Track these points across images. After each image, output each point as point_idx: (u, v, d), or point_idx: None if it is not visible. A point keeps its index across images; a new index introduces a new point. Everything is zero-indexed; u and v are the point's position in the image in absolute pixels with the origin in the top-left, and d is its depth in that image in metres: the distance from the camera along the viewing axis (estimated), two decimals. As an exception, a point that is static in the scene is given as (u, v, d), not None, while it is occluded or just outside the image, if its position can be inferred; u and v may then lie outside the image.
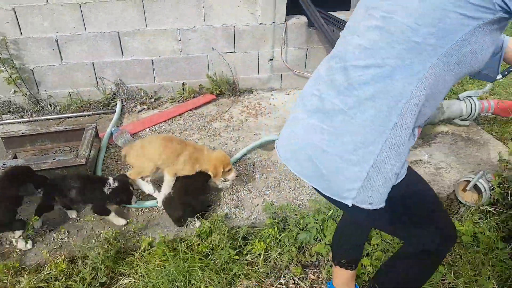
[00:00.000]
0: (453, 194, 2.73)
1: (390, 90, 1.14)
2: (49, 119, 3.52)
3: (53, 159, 2.57)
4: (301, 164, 1.32)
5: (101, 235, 2.26)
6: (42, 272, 2.12)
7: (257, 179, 2.85)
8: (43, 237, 2.34)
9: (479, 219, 2.54)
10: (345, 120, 1.20)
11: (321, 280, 2.19)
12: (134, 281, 2.12)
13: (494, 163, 2.94)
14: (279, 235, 2.34)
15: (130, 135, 3.15)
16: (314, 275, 2.22)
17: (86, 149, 2.62)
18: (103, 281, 2.07)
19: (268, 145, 3.17)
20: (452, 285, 2.19)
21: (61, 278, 2.08)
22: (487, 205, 2.62)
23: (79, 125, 2.98)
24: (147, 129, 3.31)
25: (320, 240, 2.38)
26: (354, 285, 1.96)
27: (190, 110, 3.61)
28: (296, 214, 2.48)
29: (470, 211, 2.59)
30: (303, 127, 1.31)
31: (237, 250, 2.27)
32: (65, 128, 2.92)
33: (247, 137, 3.26)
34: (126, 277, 2.15)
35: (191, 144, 2.61)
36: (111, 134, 3.11)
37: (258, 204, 2.62)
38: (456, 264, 2.32)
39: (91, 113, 3.60)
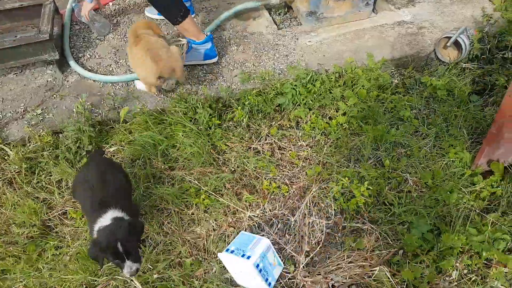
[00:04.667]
0: (433, 53, 3.00)
1: None
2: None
3: (15, 37, 2.68)
4: None
5: (75, 110, 2.52)
6: (29, 145, 2.42)
7: (234, 51, 3.03)
8: (21, 115, 2.59)
9: (457, 76, 2.85)
10: None
11: (295, 138, 2.55)
12: (121, 148, 2.44)
13: (478, 19, 3.15)
14: (258, 101, 2.62)
15: (99, 10, 3.20)
16: (290, 135, 2.57)
17: (48, 24, 2.72)
18: (89, 149, 2.38)
19: (243, 14, 3.28)
20: (424, 136, 2.57)
21: (48, 149, 2.38)
22: (465, 62, 2.91)
23: (36, 0, 3.01)
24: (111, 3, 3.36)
25: (299, 105, 2.68)
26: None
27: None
28: (274, 82, 2.74)
29: (448, 68, 2.89)
30: None
31: (218, 115, 2.58)
32: (21, 5, 2.95)
33: (220, 7, 3.34)
34: (112, 145, 2.48)
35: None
36: (73, 10, 3.15)
37: (236, 75, 2.86)
38: (430, 117, 2.69)
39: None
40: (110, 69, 2.86)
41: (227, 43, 3.09)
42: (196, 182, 2.26)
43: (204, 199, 2.17)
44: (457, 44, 2.89)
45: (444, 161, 2.40)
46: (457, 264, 1.93)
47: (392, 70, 2.95)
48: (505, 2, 3.19)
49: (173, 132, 2.46)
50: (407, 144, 2.50)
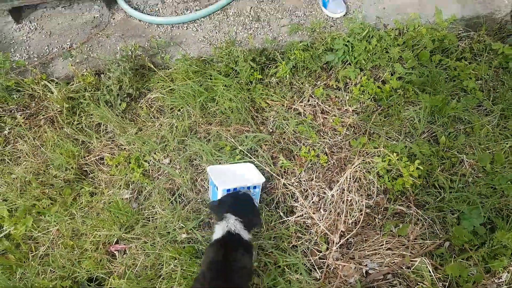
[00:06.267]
0: (510, 16, 2.32)
1: None
2: None
3: (63, -32, 2.29)
4: None
5: (119, 50, 2.16)
6: (72, 84, 2.12)
7: (286, -4, 2.48)
8: (67, 51, 2.27)
9: (536, 44, 2.19)
10: None
11: (341, 101, 2.08)
12: (162, 96, 2.10)
13: None
14: (305, 57, 2.14)
15: None
16: (336, 98, 2.10)
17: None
18: (130, 92, 2.05)
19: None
20: (488, 112, 2.04)
21: (89, 89, 2.08)
22: (550, 28, 2.23)
23: None
24: None
25: (349, 64, 2.18)
26: None
27: None
28: (325, 35, 2.22)
29: (527, 34, 2.23)
30: None
31: (260, 69, 2.14)
32: None
33: None
34: (154, 92, 2.13)
35: None
36: None
37: (284, 25, 2.35)
38: (497, 91, 2.11)
39: None
40: (156, 8, 2.42)
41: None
42: (232, 140, 1.91)
43: (238, 160, 1.83)
44: (544, 6, 2.20)
45: (507, 143, 1.88)
46: (510, 267, 1.52)
47: (459, 32, 2.32)
48: None
49: (214, 84, 2.07)
50: (468, 120, 1.98)
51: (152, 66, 2.16)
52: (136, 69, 2.13)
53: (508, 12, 2.33)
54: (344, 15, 2.33)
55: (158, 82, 2.14)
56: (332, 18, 2.35)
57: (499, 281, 1.52)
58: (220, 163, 1.87)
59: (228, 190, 1.59)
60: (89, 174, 1.90)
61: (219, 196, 1.61)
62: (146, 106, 2.09)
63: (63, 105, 2.03)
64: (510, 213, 1.65)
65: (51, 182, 1.84)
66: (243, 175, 1.71)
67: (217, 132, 1.95)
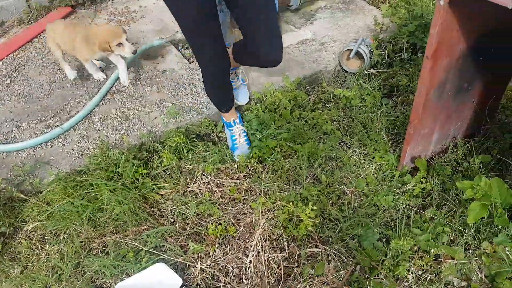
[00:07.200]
0: (339, 65, 3.01)
1: None
2: None
3: None
4: None
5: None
6: None
7: (148, 92, 2.77)
8: None
9: (364, 82, 2.88)
10: None
11: (231, 171, 2.35)
12: (41, 223, 2.04)
13: (371, 27, 3.25)
14: (186, 139, 2.39)
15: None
16: (226, 169, 2.37)
17: None
18: (2, 231, 1.95)
19: (150, 53, 3.03)
20: (349, 145, 2.54)
21: None
22: (369, 69, 2.97)
23: None
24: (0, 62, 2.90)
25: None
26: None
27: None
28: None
29: (355, 77, 2.91)
30: None
31: (144, 164, 2.29)
32: None
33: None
34: (31, 222, 2.06)
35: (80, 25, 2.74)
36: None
37: (156, 117, 2.59)
38: (350, 126, 2.66)
39: None
40: (12, 135, 2.42)
41: (139, 85, 2.81)
42: (133, 243, 1.95)
43: (146, 262, 1.87)
44: (358, 54, 2.94)
45: (372, 166, 2.37)
46: (412, 268, 1.87)
47: (307, 88, 2.90)
48: (390, 7, 3.34)
49: (97, 193, 2.12)
50: (337, 156, 2.43)
51: (21, 195, 2.11)
52: (4, 204, 2.06)
53: (337, 64, 3.03)
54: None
55: (33, 210, 2.09)
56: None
57: (408, 283, 1.84)
58: (127, 273, 1.87)
59: None
60: None
61: None
62: (25, 239, 2.00)
63: None
64: (395, 222, 2.05)
65: None
66: (158, 283, 1.74)
67: (114, 241, 1.97)
